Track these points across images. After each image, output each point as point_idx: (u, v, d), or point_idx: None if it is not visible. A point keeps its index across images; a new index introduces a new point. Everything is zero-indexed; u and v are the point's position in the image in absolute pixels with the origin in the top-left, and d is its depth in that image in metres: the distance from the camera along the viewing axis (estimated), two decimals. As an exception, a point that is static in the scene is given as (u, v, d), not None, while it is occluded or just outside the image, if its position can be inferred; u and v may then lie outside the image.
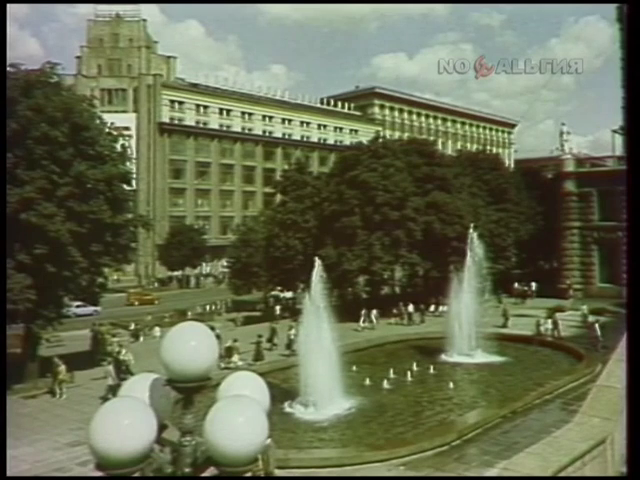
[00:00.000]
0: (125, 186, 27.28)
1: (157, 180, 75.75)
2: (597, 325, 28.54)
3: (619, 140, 51.14)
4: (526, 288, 45.42)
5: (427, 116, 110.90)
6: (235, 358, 25.96)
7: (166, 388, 3.05)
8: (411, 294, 42.63)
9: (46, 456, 16.79)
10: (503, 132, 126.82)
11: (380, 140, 47.54)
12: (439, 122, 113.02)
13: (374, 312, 36.14)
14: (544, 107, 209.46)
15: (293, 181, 45.78)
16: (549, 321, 31.58)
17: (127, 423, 2.63)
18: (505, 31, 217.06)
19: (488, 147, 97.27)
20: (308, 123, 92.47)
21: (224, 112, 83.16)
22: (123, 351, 26.20)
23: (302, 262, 38.58)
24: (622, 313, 26.12)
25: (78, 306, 37.41)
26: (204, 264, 74.32)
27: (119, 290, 56.93)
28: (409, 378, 25.03)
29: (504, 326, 33.78)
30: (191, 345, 2.92)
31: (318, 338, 21.25)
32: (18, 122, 22.47)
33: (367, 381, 24.25)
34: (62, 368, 23.27)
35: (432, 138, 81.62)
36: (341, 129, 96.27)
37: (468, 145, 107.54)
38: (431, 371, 26.31)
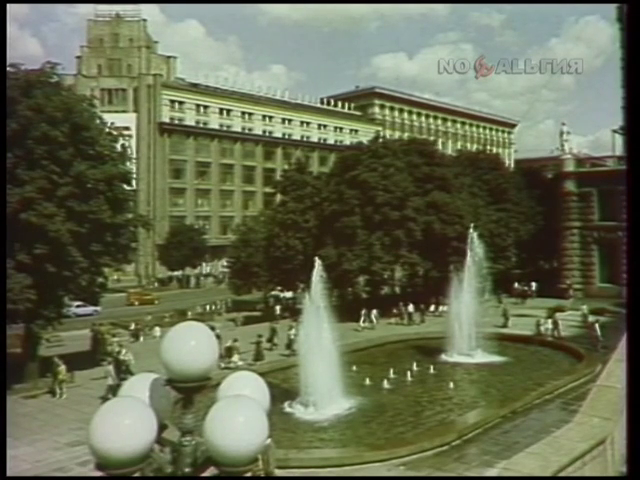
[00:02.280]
0: (125, 186, 27.24)
1: (157, 180, 75.75)
2: (597, 325, 28.52)
3: (619, 140, 51.28)
4: (526, 288, 45.41)
5: (427, 116, 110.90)
6: (235, 358, 25.97)
7: (166, 388, 3.05)
8: (411, 294, 42.62)
9: (46, 456, 16.79)
10: (503, 132, 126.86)
11: (380, 140, 47.55)
12: (439, 122, 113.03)
13: (374, 312, 36.13)
14: (544, 107, 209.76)
15: (293, 181, 45.78)
16: (549, 321, 31.57)
17: (127, 423, 2.63)
18: (505, 31, 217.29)
19: (488, 147, 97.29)
20: (308, 123, 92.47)
21: (224, 112, 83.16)
22: (123, 351, 26.17)
23: (302, 262, 38.59)
24: (622, 313, 26.12)
25: (78, 306, 37.42)
26: (204, 264, 74.31)
27: (119, 290, 56.88)
28: (409, 378, 25.03)
29: (504, 326, 33.77)
30: (191, 345, 2.92)
31: (318, 338, 21.26)
32: (18, 122, 22.46)
33: (367, 381, 24.24)
34: (62, 368, 23.25)
35: (432, 138, 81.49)
36: (341, 129, 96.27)
37: (468, 145, 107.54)
38: (431, 371, 26.30)
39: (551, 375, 24.43)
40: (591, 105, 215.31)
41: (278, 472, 13.13)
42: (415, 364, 26.58)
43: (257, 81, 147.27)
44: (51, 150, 23.04)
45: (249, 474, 2.81)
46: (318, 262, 23.41)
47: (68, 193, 23.22)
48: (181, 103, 79.27)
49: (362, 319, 35.70)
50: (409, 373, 25.37)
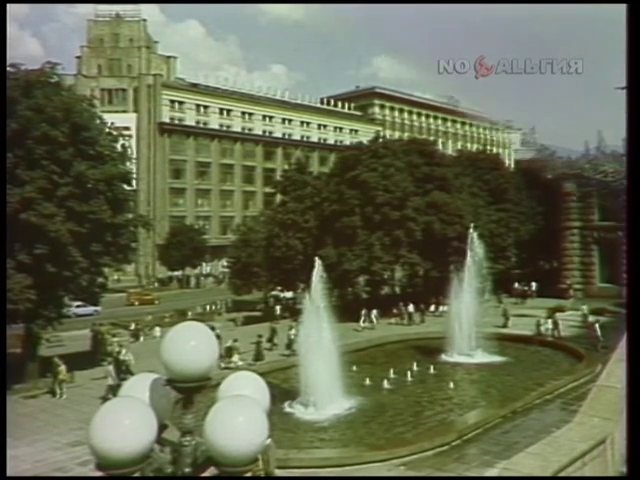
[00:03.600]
0: (125, 186, 27.23)
1: (157, 180, 75.74)
2: (597, 325, 28.53)
3: (619, 140, 51.16)
4: (526, 288, 45.39)
5: (427, 116, 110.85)
6: (235, 358, 25.96)
7: (166, 388, 3.05)
8: (411, 294, 42.60)
9: (46, 456, 16.78)
10: (503, 132, 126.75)
11: (380, 140, 47.54)
12: (439, 122, 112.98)
13: (374, 312, 36.12)
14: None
15: (293, 181, 45.77)
16: (549, 321, 31.55)
17: (127, 423, 2.64)
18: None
19: (488, 147, 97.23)
20: (308, 123, 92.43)
21: (224, 112, 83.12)
22: (123, 351, 26.15)
23: (302, 262, 38.57)
24: (622, 313, 26.10)
25: (78, 306, 37.34)
26: (204, 264, 74.28)
27: (119, 290, 56.88)
28: (409, 378, 25.02)
29: (504, 326, 33.75)
30: (191, 345, 2.92)
31: (318, 338, 21.25)
32: (18, 122, 22.45)
33: (367, 381, 24.24)
34: (62, 368, 23.24)
35: (432, 138, 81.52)
36: (341, 129, 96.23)
37: (468, 145, 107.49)
38: (431, 371, 26.29)
39: (551, 375, 24.43)
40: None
41: (278, 472, 13.12)
42: (415, 364, 26.56)
43: (257, 81, 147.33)
44: (51, 150, 23.02)
45: (249, 474, 2.81)
46: (318, 262, 23.40)
47: (68, 193, 23.22)
48: (181, 103, 79.24)
49: (362, 319, 35.68)
50: (409, 373, 25.36)
